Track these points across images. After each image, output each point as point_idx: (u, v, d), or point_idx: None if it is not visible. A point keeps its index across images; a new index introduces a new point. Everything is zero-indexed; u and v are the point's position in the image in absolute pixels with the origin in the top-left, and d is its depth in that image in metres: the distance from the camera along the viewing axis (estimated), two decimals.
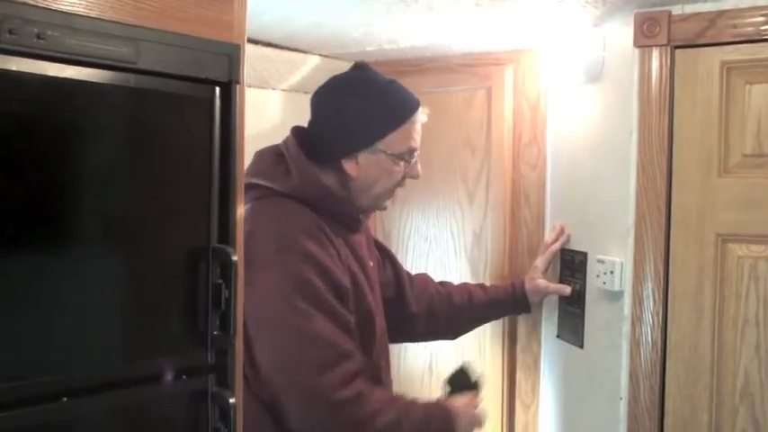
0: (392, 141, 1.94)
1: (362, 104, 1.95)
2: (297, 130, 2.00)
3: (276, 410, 1.80)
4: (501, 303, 2.36)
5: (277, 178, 1.92)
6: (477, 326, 2.44)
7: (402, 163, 1.97)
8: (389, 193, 2.03)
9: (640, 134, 1.99)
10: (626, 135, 2.03)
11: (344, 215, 1.98)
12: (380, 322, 2.05)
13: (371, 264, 2.10)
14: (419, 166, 2.03)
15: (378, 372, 2.02)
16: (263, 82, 2.61)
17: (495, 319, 2.47)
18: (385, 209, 2.12)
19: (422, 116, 1.99)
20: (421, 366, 2.70)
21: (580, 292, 2.28)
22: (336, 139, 1.95)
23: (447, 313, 2.30)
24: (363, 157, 1.94)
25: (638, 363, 2.01)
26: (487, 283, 2.50)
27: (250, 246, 1.57)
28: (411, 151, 1.98)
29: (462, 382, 2.12)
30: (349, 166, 1.94)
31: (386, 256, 2.29)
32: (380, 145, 1.94)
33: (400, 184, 2.02)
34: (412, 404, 1.95)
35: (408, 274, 2.33)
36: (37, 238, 1.16)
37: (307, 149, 1.95)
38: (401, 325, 2.24)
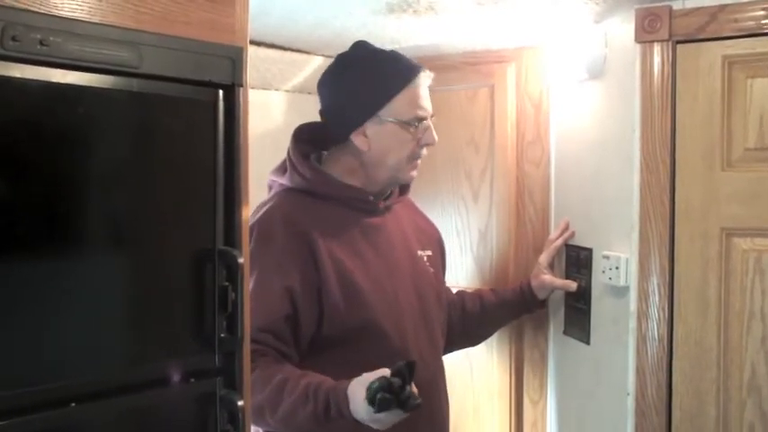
0: (396, 108, 1.95)
1: (361, 76, 1.98)
2: (300, 127, 2.06)
3: None
4: (512, 303, 2.36)
5: (279, 174, 2.03)
6: (495, 329, 2.44)
7: (412, 129, 1.96)
8: (407, 163, 2.00)
9: (643, 129, 1.99)
10: (629, 131, 2.03)
11: (352, 198, 1.99)
12: (392, 310, 1.95)
13: (413, 248, 2.10)
14: (433, 133, 1.99)
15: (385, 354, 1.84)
16: (265, 83, 2.61)
17: (513, 319, 2.45)
18: (410, 180, 2.08)
19: (424, 80, 1.98)
20: None
21: (586, 287, 2.28)
22: (341, 115, 1.99)
23: (461, 321, 2.28)
24: (371, 129, 1.96)
25: (644, 358, 2.01)
26: (494, 282, 2.51)
27: None
28: (419, 118, 1.96)
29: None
30: (358, 140, 1.96)
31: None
32: (385, 113, 1.95)
33: (416, 153, 2.00)
34: (288, 385, 1.77)
35: None
36: (43, 243, 1.17)
37: (319, 139, 2.03)
38: None
